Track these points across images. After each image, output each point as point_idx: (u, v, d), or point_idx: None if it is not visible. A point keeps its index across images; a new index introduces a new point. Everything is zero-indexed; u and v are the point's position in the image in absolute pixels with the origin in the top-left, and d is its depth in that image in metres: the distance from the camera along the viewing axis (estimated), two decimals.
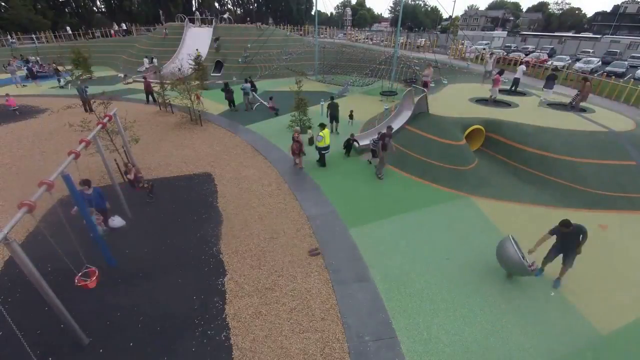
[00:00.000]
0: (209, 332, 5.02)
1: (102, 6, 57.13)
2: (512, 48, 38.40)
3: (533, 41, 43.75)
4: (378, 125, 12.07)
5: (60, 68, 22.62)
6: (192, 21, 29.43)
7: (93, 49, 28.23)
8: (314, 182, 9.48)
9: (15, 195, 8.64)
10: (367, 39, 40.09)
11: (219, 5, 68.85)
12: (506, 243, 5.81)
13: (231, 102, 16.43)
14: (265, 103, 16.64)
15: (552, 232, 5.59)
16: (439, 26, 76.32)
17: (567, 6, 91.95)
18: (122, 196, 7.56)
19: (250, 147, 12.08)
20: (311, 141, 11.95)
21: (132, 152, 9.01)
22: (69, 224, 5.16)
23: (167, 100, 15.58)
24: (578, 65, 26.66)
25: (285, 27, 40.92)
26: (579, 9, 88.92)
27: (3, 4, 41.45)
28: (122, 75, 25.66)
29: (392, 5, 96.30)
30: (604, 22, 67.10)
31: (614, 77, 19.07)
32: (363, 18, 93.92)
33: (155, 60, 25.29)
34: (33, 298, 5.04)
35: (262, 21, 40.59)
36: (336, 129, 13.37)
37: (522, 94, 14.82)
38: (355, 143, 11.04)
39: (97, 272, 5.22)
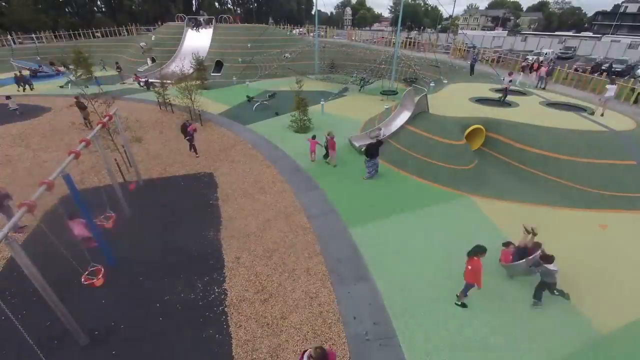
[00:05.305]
0: (208, 332, 5.03)
1: (102, 6, 57.01)
2: None
3: (533, 41, 43.64)
4: (378, 125, 12.04)
5: (61, 68, 22.56)
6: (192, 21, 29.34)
7: (93, 49, 28.18)
8: (313, 182, 9.48)
9: (15, 194, 8.63)
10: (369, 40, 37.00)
11: (219, 5, 68.78)
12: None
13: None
14: (265, 103, 16.66)
15: None
16: (439, 25, 76.18)
17: (568, 5, 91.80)
18: (121, 196, 7.56)
19: (251, 146, 12.08)
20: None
21: (133, 151, 9.01)
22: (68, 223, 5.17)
23: (167, 100, 15.59)
24: None
25: (285, 26, 40.86)
26: (579, 8, 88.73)
27: (4, 3, 41.35)
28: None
29: (392, 5, 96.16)
30: (605, 21, 67.06)
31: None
32: (363, 18, 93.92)
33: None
34: (33, 298, 5.05)
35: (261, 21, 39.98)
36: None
37: (523, 93, 14.81)
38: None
39: (102, 270, 5.20)
